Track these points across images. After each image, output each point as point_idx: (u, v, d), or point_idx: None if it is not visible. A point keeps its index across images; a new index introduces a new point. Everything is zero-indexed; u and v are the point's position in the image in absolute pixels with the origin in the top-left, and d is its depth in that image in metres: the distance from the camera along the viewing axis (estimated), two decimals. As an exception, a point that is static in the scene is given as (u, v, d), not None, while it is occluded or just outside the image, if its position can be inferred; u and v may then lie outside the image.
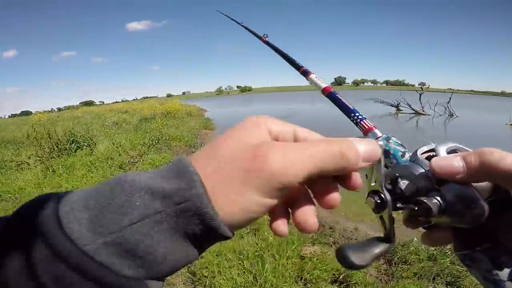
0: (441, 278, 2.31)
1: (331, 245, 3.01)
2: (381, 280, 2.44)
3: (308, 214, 0.23)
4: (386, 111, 17.63)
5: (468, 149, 0.27)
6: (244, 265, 2.40)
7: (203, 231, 0.19)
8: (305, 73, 0.52)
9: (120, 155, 5.91)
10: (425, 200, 0.23)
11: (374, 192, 0.25)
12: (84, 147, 6.37)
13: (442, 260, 2.49)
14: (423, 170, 0.25)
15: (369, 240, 0.24)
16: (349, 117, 0.41)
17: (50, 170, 4.90)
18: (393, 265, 2.58)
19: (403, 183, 0.27)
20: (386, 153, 0.30)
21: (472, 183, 0.23)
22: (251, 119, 0.24)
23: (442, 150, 0.27)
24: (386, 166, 0.29)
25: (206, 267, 2.39)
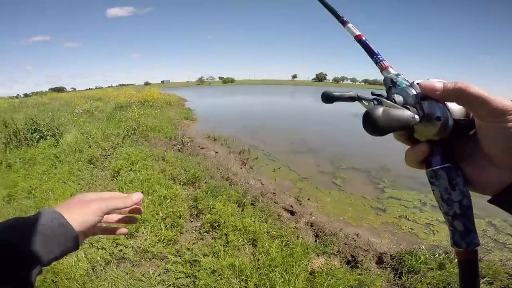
0: (451, 287, 2.24)
1: (336, 255, 2.79)
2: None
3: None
4: (364, 109, 17.74)
5: None
6: (248, 286, 2.00)
7: (64, 231, 0.39)
8: (344, 23, 0.52)
9: (90, 146, 5.22)
10: (408, 107, 0.30)
11: (374, 99, 0.35)
12: (48, 137, 5.59)
13: (452, 269, 2.39)
14: (414, 92, 0.32)
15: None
16: (372, 58, 0.43)
17: (4, 165, 4.16)
18: (403, 275, 2.45)
19: (397, 97, 0.32)
20: (393, 83, 0.36)
21: (446, 103, 0.30)
22: (87, 193, 0.47)
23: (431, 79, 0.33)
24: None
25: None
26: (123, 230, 0.55)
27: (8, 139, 5.17)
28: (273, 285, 2.00)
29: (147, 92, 16.46)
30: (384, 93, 0.37)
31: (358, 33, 0.53)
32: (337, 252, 2.82)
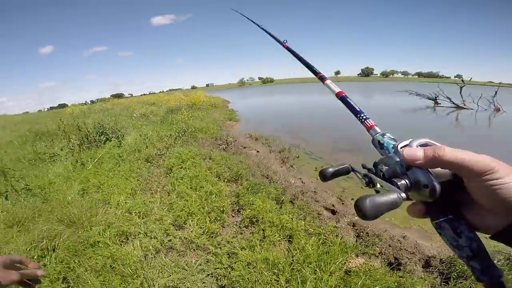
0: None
1: (377, 256, 2.72)
2: None
3: None
4: (423, 104, 16.38)
5: (436, 143, 0.35)
6: (279, 282, 2.10)
7: None
8: (322, 79, 0.56)
9: (147, 147, 5.84)
10: (395, 180, 0.33)
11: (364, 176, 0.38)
12: (112, 139, 6.40)
13: (510, 276, 2.18)
14: (399, 160, 0.35)
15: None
16: (356, 116, 0.49)
17: (79, 163, 4.92)
18: (451, 280, 2.29)
19: (385, 169, 0.36)
20: (381, 145, 0.42)
21: (430, 169, 0.32)
22: None
23: (414, 144, 0.35)
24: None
25: (238, 281, 2.13)
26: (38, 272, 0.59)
27: (81, 141, 6.06)
28: (304, 280, 2.06)
29: (194, 95, 17.58)
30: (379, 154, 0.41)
31: (338, 90, 0.56)
32: (378, 253, 2.74)
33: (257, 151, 6.43)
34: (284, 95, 33.05)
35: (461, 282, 2.23)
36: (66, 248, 2.37)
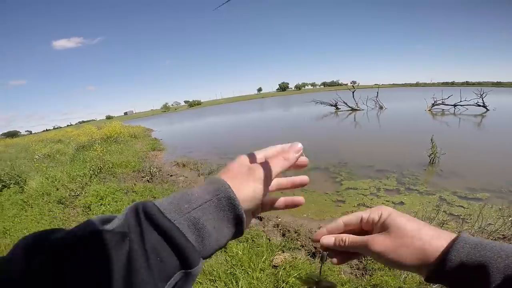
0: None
1: (300, 249, 3.06)
2: (355, 275, 2.51)
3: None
4: (327, 111, 19.04)
5: None
6: (217, 286, 2.27)
7: (231, 210, 0.33)
8: None
9: (57, 189, 5.19)
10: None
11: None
12: (11, 185, 5.54)
13: None
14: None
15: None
16: None
17: (-30, 213, 4.09)
18: (363, 258, 2.61)
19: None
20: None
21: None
22: (241, 156, 0.40)
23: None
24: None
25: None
26: (298, 199, 0.44)
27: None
28: (237, 279, 2.29)
29: (109, 127, 16.14)
30: None
31: None
32: (301, 246, 3.07)
33: (185, 177, 6.42)
34: (211, 117, 33.38)
35: (372, 259, 2.45)
36: None
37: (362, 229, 0.42)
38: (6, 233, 3.45)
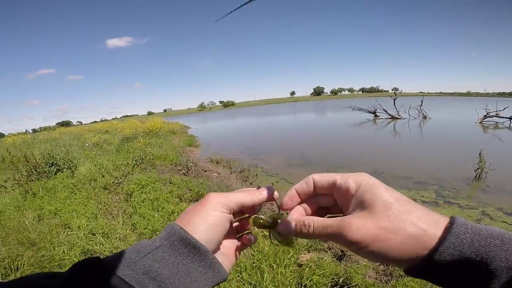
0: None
1: (327, 251, 3.08)
2: (380, 280, 2.48)
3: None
4: (365, 118, 18.33)
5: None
6: (242, 277, 2.38)
7: (189, 249, 0.31)
8: None
9: (103, 176, 5.73)
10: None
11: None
12: (64, 170, 6.16)
13: None
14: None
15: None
16: None
17: (30, 193, 4.70)
18: (391, 266, 2.56)
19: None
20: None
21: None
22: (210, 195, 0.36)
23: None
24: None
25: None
26: (249, 237, 0.40)
27: (30, 172, 5.74)
28: (262, 273, 2.36)
29: (151, 122, 17.26)
30: None
31: None
32: (327, 248, 3.10)
33: (218, 173, 6.68)
34: (244, 118, 34.03)
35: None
36: (31, 265, 2.37)
37: (334, 200, 0.35)
38: (57, 213, 3.80)
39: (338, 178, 0.33)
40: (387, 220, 0.28)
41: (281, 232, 0.35)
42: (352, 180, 0.32)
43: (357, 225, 0.29)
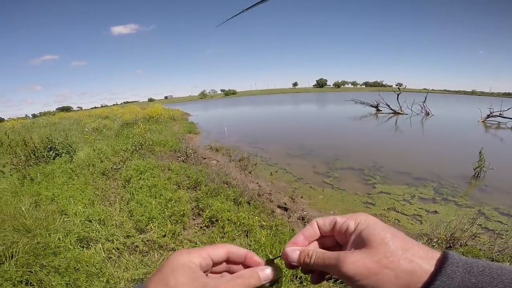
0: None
1: None
2: None
3: None
4: (367, 112, 18.21)
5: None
6: None
7: None
8: None
9: (102, 161, 5.72)
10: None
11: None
12: (63, 154, 6.11)
13: None
14: None
15: None
16: None
17: (28, 178, 4.67)
18: None
19: None
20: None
21: None
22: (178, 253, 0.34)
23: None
24: None
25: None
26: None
27: (28, 157, 5.71)
28: None
29: (151, 108, 17.17)
30: None
31: None
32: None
33: (217, 161, 6.67)
34: (245, 106, 33.80)
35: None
36: (26, 253, 2.37)
37: (335, 240, 0.36)
38: (54, 199, 3.76)
39: (338, 218, 0.35)
40: (383, 256, 0.29)
41: (287, 259, 0.35)
42: (351, 219, 0.34)
43: (353, 259, 0.30)
